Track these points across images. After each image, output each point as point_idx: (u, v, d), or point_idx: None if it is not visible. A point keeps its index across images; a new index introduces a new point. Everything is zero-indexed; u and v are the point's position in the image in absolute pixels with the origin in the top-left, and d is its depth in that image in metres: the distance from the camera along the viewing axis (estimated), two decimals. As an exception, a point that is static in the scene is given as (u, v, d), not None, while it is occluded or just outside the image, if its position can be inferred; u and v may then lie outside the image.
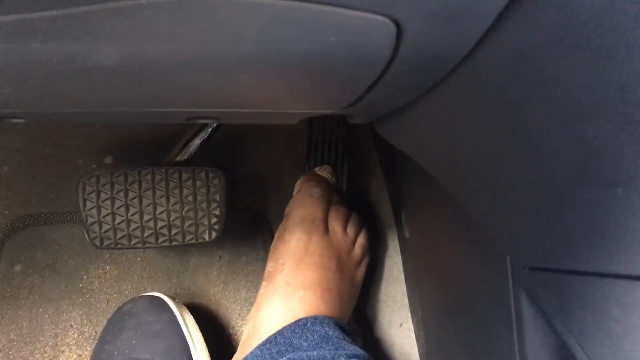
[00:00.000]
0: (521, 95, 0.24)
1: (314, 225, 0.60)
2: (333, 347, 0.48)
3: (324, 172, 0.68)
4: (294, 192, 0.66)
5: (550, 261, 0.29)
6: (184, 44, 0.23)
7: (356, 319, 0.70)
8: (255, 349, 0.50)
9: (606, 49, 0.19)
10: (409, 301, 0.67)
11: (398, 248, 0.70)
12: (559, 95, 0.22)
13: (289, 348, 0.49)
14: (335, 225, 0.61)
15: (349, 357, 0.46)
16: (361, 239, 0.64)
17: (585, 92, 0.21)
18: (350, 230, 0.63)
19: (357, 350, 0.49)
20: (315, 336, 0.50)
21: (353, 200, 0.73)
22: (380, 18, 0.22)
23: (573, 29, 0.20)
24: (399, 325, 0.68)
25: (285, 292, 0.55)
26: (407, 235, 0.64)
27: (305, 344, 0.49)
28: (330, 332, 0.50)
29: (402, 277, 0.69)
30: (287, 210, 0.64)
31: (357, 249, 0.63)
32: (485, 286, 0.39)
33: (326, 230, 0.60)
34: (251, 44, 0.23)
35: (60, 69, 0.24)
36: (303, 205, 0.62)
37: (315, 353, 0.47)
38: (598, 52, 0.20)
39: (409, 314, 0.67)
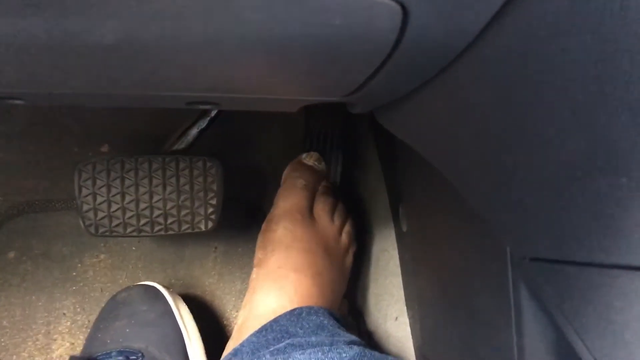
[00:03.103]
0: (526, 82, 0.24)
1: (299, 214, 0.60)
2: (329, 335, 0.49)
3: (310, 159, 0.67)
4: (281, 183, 0.66)
5: (551, 252, 0.28)
6: (186, 23, 0.23)
7: (351, 312, 0.70)
8: (250, 335, 0.50)
9: (613, 37, 0.19)
10: (405, 295, 0.67)
11: (395, 242, 0.70)
12: (564, 83, 0.22)
13: (285, 335, 0.49)
14: (321, 214, 0.62)
15: (347, 344, 0.46)
16: (347, 228, 0.64)
17: (592, 80, 0.21)
18: (337, 218, 0.63)
19: (354, 337, 0.50)
20: (311, 324, 0.50)
21: (349, 193, 0.73)
22: (386, 1, 0.22)
23: (581, 16, 0.20)
24: (394, 318, 0.68)
25: (278, 275, 0.56)
26: (404, 228, 0.64)
27: (301, 331, 0.49)
28: (325, 321, 0.51)
29: (399, 270, 0.69)
30: (274, 201, 0.64)
31: (344, 237, 0.63)
32: (484, 278, 0.39)
33: (312, 219, 0.61)
34: (254, 25, 0.23)
35: (59, 46, 0.24)
36: (287, 196, 0.62)
37: (313, 339, 0.47)
38: (605, 39, 0.19)
39: (405, 307, 0.67)
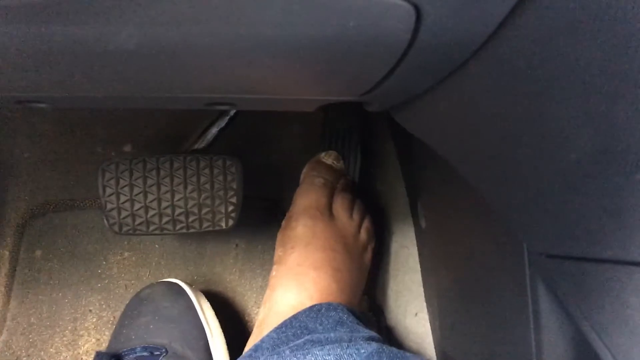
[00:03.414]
0: (540, 79, 0.24)
1: (318, 212, 0.61)
2: (348, 331, 0.49)
3: (329, 158, 0.68)
4: (300, 181, 0.66)
5: (568, 248, 0.29)
6: (205, 26, 0.23)
7: (371, 308, 0.70)
8: (271, 331, 0.51)
9: (626, 34, 0.19)
10: (424, 291, 0.67)
11: (414, 238, 0.70)
12: (578, 79, 0.22)
13: (304, 331, 0.49)
14: (340, 211, 0.62)
15: (366, 340, 0.47)
16: (366, 224, 0.65)
17: (605, 76, 0.21)
18: (356, 215, 0.64)
19: (373, 333, 0.50)
20: (330, 320, 0.51)
21: (368, 190, 0.73)
22: (400, 2, 0.22)
23: (594, 13, 0.20)
24: (414, 314, 0.68)
25: (298, 272, 0.56)
26: (423, 225, 0.64)
27: (321, 327, 0.50)
28: (344, 317, 0.51)
29: (418, 267, 0.69)
30: (293, 199, 0.65)
31: (363, 233, 0.64)
32: (501, 274, 0.39)
33: (331, 216, 0.61)
34: (271, 28, 0.24)
35: (82, 52, 0.25)
36: (307, 193, 0.63)
37: (332, 335, 0.47)
38: (618, 36, 0.20)
39: (424, 303, 0.67)
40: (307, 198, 0.62)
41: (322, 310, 0.52)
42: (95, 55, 0.25)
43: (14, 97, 0.33)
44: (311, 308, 0.52)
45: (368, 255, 0.65)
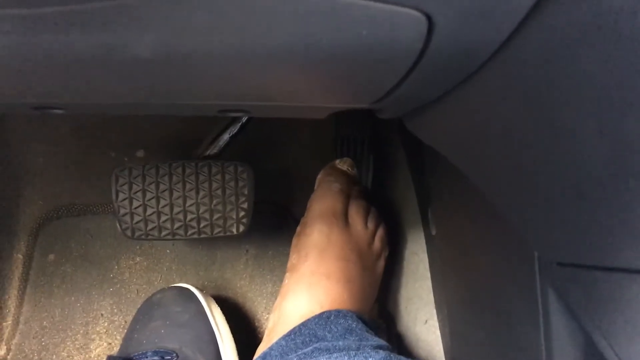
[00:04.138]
0: (552, 89, 0.24)
1: (334, 218, 0.60)
2: (357, 339, 0.49)
3: (344, 165, 0.68)
4: (315, 186, 0.66)
5: (579, 257, 0.29)
6: (218, 36, 0.24)
7: (381, 315, 0.70)
8: (280, 339, 0.51)
9: (637, 45, 0.19)
10: (435, 298, 0.67)
11: (424, 245, 0.70)
12: (590, 89, 0.22)
13: (313, 339, 0.49)
14: (356, 218, 0.62)
15: (374, 348, 0.47)
16: (380, 232, 0.64)
17: (617, 86, 0.21)
18: (370, 223, 0.63)
19: (381, 341, 0.50)
20: (339, 328, 0.50)
21: (379, 197, 0.73)
22: (412, 12, 0.22)
23: (605, 24, 0.20)
24: (424, 322, 0.68)
25: (310, 282, 0.56)
26: (434, 232, 0.64)
27: (330, 335, 0.50)
28: (353, 325, 0.51)
29: (428, 274, 0.69)
30: (308, 205, 0.64)
31: (377, 242, 0.63)
32: (512, 282, 0.39)
33: (346, 223, 0.61)
34: (285, 37, 0.24)
35: (99, 60, 0.25)
36: (323, 199, 0.63)
37: (340, 343, 0.47)
38: (629, 47, 0.20)
39: (435, 311, 0.67)
40: (323, 203, 0.62)
41: (332, 318, 0.52)
42: (113, 63, 0.25)
43: (32, 103, 0.34)
44: (320, 315, 0.52)
45: (381, 264, 0.64)
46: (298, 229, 0.63)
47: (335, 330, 0.50)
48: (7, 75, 0.27)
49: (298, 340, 0.50)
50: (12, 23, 0.21)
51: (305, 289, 0.56)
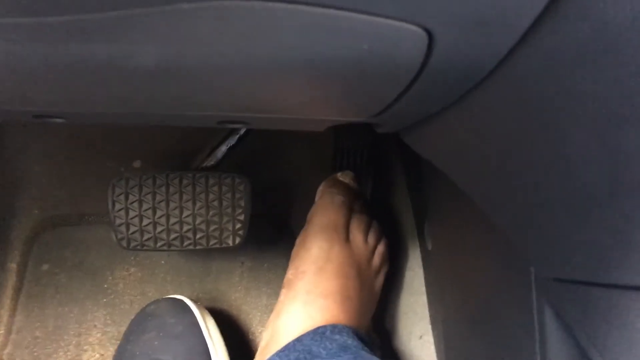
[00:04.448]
0: (552, 105, 0.24)
1: (336, 232, 0.59)
2: (352, 356, 0.48)
3: (345, 178, 0.67)
4: (316, 198, 0.66)
5: (575, 272, 0.29)
6: (222, 48, 0.24)
7: (376, 330, 0.70)
8: (273, 355, 0.50)
9: (636, 62, 0.20)
10: (430, 313, 0.67)
11: (420, 260, 0.70)
12: (589, 105, 0.23)
13: (307, 356, 0.48)
14: (357, 233, 0.61)
15: (369, 365, 0.46)
16: (381, 248, 0.64)
17: (616, 103, 0.21)
18: (371, 238, 0.63)
19: (376, 359, 0.49)
20: (334, 344, 0.49)
21: (375, 211, 0.73)
22: (413, 27, 0.23)
23: (605, 41, 0.20)
24: (419, 337, 0.68)
25: (306, 300, 0.55)
26: (430, 247, 0.64)
27: (324, 352, 0.49)
28: (349, 342, 0.50)
29: (423, 289, 0.69)
30: (308, 216, 0.64)
31: (377, 258, 0.63)
32: (508, 298, 0.39)
33: (347, 238, 0.60)
34: (287, 50, 0.24)
35: (102, 70, 0.25)
36: (325, 211, 0.62)
37: (335, 361, 0.47)
38: (629, 64, 0.20)
39: (430, 326, 0.67)
40: (325, 217, 0.61)
41: (327, 334, 0.51)
42: (116, 73, 0.25)
43: (34, 111, 0.34)
44: (315, 331, 0.51)
45: (380, 280, 0.64)
46: (298, 240, 0.62)
47: (330, 347, 0.49)
48: (11, 83, 0.27)
49: (292, 357, 0.49)
50: (17, 32, 0.22)
51: (300, 307, 0.55)
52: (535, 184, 0.29)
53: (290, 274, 0.59)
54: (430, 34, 0.23)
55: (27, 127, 0.75)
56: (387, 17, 0.22)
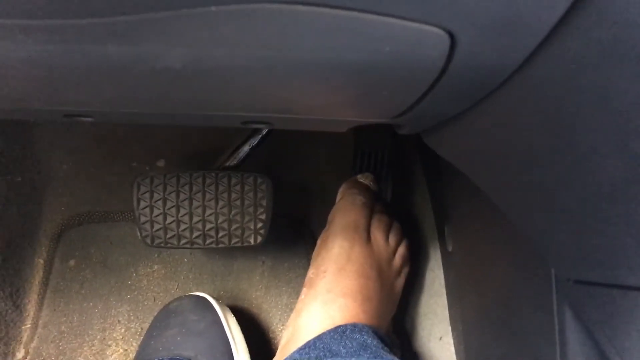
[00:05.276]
0: (572, 106, 0.24)
1: (357, 233, 0.60)
2: (371, 356, 0.48)
3: (366, 179, 0.68)
4: (337, 199, 0.66)
5: (596, 274, 0.29)
6: (247, 49, 0.24)
7: (395, 330, 0.70)
8: (294, 352, 0.51)
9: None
10: (450, 315, 0.67)
11: (440, 261, 0.70)
12: (609, 108, 0.23)
13: (327, 354, 0.49)
14: (377, 234, 0.61)
15: (388, 365, 0.46)
16: (402, 249, 0.64)
17: (635, 106, 0.22)
18: (392, 239, 0.63)
19: (396, 359, 0.49)
20: (354, 343, 0.50)
21: (396, 212, 0.73)
22: (435, 30, 0.23)
23: (625, 45, 0.20)
24: (438, 338, 0.68)
25: (326, 300, 0.55)
26: (450, 248, 0.64)
27: (344, 350, 0.49)
28: (369, 341, 0.50)
29: (444, 290, 0.69)
30: (330, 217, 0.64)
31: (398, 259, 0.63)
32: (528, 299, 0.39)
33: (368, 238, 0.61)
34: (310, 52, 0.25)
35: (130, 70, 0.26)
36: (346, 212, 0.62)
37: (355, 359, 0.47)
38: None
39: (449, 327, 0.67)
40: (346, 217, 0.62)
41: (347, 332, 0.51)
42: (144, 73, 0.26)
43: (64, 110, 0.35)
44: (336, 329, 0.51)
45: (400, 281, 0.64)
46: (319, 241, 0.63)
47: (350, 345, 0.49)
48: (45, 83, 0.28)
49: (312, 355, 0.49)
50: (49, 33, 0.22)
51: (321, 307, 0.55)
52: (556, 185, 0.29)
53: (311, 273, 0.60)
54: (452, 36, 0.24)
55: (55, 127, 0.77)
56: (410, 19, 0.22)
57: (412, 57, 0.25)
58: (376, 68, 0.26)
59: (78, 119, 0.37)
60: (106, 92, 0.30)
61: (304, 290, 0.59)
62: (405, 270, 0.65)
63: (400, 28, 0.23)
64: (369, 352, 0.49)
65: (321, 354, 0.49)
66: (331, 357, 0.48)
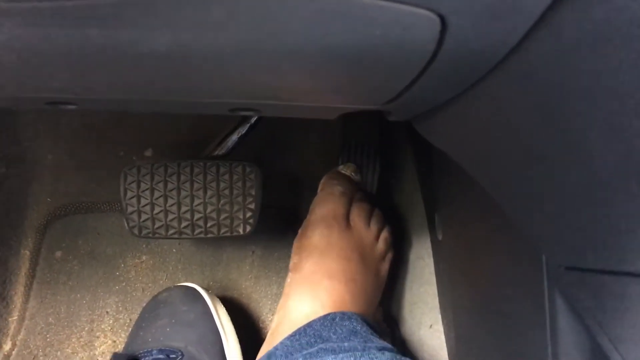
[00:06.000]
0: (564, 92, 0.24)
1: (335, 220, 0.61)
2: (362, 340, 0.49)
3: (347, 170, 0.69)
4: (318, 190, 0.67)
5: (587, 261, 0.29)
6: (234, 33, 0.24)
7: (385, 319, 0.70)
8: (284, 339, 0.51)
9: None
10: (440, 303, 0.67)
11: (430, 250, 0.70)
12: (602, 92, 0.22)
13: (317, 340, 0.50)
14: (357, 221, 0.62)
15: (379, 350, 0.47)
16: (385, 234, 0.65)
17: (629, 89, 0.21)
18: (374, 225, 0.64)
19: (386, 344, 0.50)
20: (344, 330, 0.51)
21: (386, 202, 0.73)
22: (426, 12, 0.23)
23: (620, 25, 0.20)
24: (428, 326, 0.68)
25: (312, 281, 0.57)
26: (440, 237, 0.64)
27: (334, 336, 0.50)
28: (358, 327, 0.51)
29: (434, 279, 0.69)
30: (310, 208, 0.65)
31: (381, 243, 0.64)
32: (519, 286, 0.39)
33: (348, 225, 0.62)
34: (299, 36, 0.24)
35: (114, 54, 0.26)
36: (325, 202, 0.63)
37: (345, 344, 0.47)
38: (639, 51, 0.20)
39: (439, 315, 0.67)
40: (324, 207, 0.63)
41: (337, 320, 0.52)
42: (128, 57, 0.26)
43: (46, 98, 0.34)
44: (325, 317, 0.52)
45: (385, 265, 0.64)
46: (300, 231, 0.63)
47: (340, 331, 0.50)
48: (25, 69, 0.27)
49: (303, 341, 0.50)
50: (32, 16, 0.22)
51: (308, 289, 0.56)
52: (547, 171, 0.28)
53: (295, 259, 0.61)
54: (443, 19, 0.23)
55: (41, 116, 0.75)
56: (400, 2, 0.22)
57: (403, 41, 0.25)
58: (366, 52, 0.26)
59: (60, 107, 0.36)
60: (89, 77, 0.29)
61: (290, 275, 0.60)
62: (390, 255, 0.65)
63: (391, 11, 0.22)
64: (359, 337, 0.50)
65: (312, 340, 0.50)
66: (322, 342, 0.49)
